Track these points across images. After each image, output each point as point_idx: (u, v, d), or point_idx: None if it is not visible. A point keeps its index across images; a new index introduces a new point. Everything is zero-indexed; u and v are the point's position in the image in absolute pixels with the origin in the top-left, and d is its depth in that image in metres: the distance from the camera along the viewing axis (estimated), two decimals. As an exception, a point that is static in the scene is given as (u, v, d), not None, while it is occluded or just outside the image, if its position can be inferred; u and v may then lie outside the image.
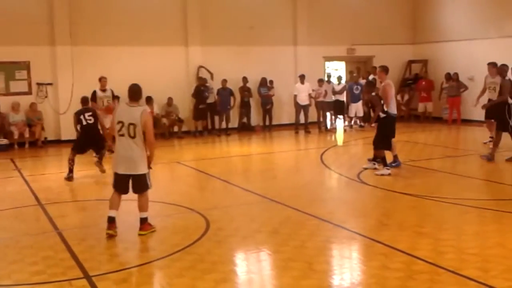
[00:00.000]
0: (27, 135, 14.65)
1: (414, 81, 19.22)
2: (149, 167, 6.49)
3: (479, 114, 16.33)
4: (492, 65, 12.51)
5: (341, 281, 5.18)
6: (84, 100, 10.54)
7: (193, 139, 15.98)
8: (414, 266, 5.29)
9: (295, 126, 16.87)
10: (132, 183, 6.45)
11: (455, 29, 18.42)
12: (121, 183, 6.46)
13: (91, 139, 10.22)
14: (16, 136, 14.55)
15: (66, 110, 14.95)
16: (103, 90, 13.09)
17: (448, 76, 17.90)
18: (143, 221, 6.53)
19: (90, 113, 10.15)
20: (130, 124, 6.26)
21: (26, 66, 15.06)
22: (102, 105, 12.85)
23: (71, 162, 10.02)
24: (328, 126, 17.55)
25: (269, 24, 17.78)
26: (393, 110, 10.26)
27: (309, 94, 16.68)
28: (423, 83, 18.79)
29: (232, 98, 16.78)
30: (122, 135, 6.33)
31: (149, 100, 15.81)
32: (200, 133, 16.54)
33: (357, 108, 17.47)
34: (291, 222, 7.00)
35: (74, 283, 5.12)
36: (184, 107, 16.66)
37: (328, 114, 17.71)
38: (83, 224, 7.24)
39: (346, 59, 19.97)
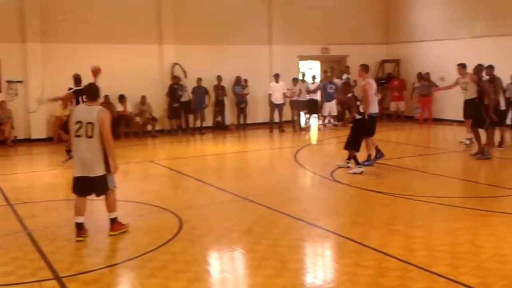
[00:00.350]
0: (-4, 133, 14.36)
1: (386, 80, 19.45)
2: (109, 171, 6.28)
3: (451, 113, 16.69)
4: (461, 66, 12.75)
5: (314, 279, 5.22)
6: (78, 79, 10.17)
7: (167, 138, 15.87)
8: (385, 263, 5.36)
9: (270, 125, 16.90)
10: (92, 186, 6.30)
11: (427, 30, 18.70)
12: (80, 186, 6.31)
13: None
14: (-15, 135, 14.25)
15: (36, 108, 14.67)
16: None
17: (420, 76, 18.18)
18: (113, 221, 6.45)
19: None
20: (88, 123, 6.15)
21: (-5, 63, 14.76)
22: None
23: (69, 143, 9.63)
24: (302, 125, 17.64)
25: (244, 23, 17.77)
26: (374, 109, 10.38)
27: (284, 93, 16.73)
28: (396, 82, 19.03)
29: (206, 97, 16.73)
30: (79, 136, 6.20)
31: (122, 98, 15.68)
32: (174, 132, 16.44)
33: (331, 107, 17.62)
34: (265, 221, 7.01)
35: (44, 284, 5.03)
36: (158, 105, 16.53)
37: (302, 113, 17.81)
38: (53, 225, 7.11)
39: (320, 58, 20.09)
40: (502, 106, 12.18)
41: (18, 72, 14.93)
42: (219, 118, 17.51)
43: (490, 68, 11.86)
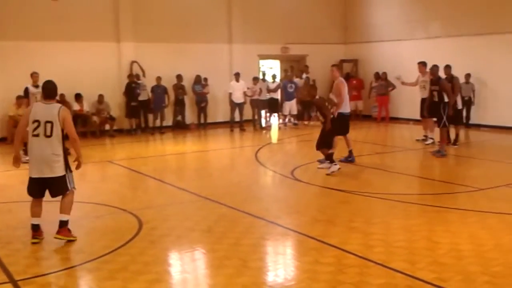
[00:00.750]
0: None
1: (345, 80, 19.66)
2: (70, 170, 6.13)
3: (407, 112, 17.07)
4: (422, 64, 13.09)
5: (275, 277, 5.23)
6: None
7: (126, 137, 15.63)
8: (344, 260, 5.43)
9: (230, 124, 16.88)
10: (49, 187, 6.09)
11: (384, 30, 19.07)
12: (35, 187, 6.09)
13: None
14: None
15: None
16: (36, 86, 12.55)
17: (377, 75, 18.53)
18: (63, 224, 6.09)
19: None
20: (47, 122, 5.96)
21: None
22: (35, 100, 12.30)
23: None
24: (263, 124, 17.69)
25: (203, 21, 17.67)
26: (346, 108, 10.48)
27: (244, 92, 16.73)
28: (354, 82, 19.31)
29: (166, 96, 16.56)
30: (37, 135, 5.99)
31: (78, 97, 15.34)
32: (133, 131, 16.20)
33: (291, 106, 17.74)
34: (226, 220, 7.00)
35: (-2, 289, 4.88)
36: (116, 104, 16.26)
37: (262, 112, 17.86)
38: (8, 227, 6.88)
39: (280, 57, 20.21)
40: (459, 105, 12.55)
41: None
42: (179, 117, 17.36)
43: (448, 67, 12.18)
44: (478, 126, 16.12)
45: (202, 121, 17.37)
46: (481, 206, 7.43)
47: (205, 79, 17.20)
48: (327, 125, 9.70)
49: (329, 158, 9.78)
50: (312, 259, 5.50)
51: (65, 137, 6.15)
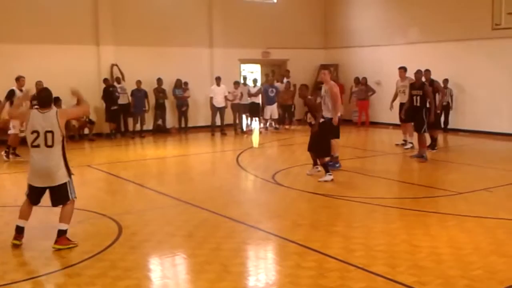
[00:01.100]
0: None
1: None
2: (70, 176, 6.06)
3: (387, 117, 17.22)
4: (403, 69, 13.25)
5: (256, 282, 5.22)
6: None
7: (105, 141, 15.48)
8: (326, 264, 5.44)
9: (211, 128, 16.85)
10: (51, 195, 6.05)
11: (363, 36, 19.24)
12: (35, 195, 6.06)
13: None
14: None
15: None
16: (22, 90, 12.38)
17: (357, 80, 18.68)
18: (61, 234, 6.00)
19: None
20: (47, 132, 5.86)
21: None
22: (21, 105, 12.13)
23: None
24: (244, 128, 17.69)
25: (184, 25, 17.62)
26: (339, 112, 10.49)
27: (225, 96, 16.72)
28: (335, 86, 19.41)
29: (146, 100, 16.44)
30: (37, 146, 5.89)
31: (57, 101, 15.08)
32: (113, 136, 16.05)
33: (272, 110, 17.77)
34: (207, 225, 6.97)
35: (-27, 297, 4.78)
36: (96, 108, 16.10)
37: (243, 116, 17.87)
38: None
39: (261, 62, 20.26)
40: (437, 110, 12.71)
41: None
42: (159, 122, 17.26)
43: (428, 72, 12.33)
44: (456, 131, 16.34)
45: (183, 125, 17.30)
46: (460, 210, 7.51)
47: (186, 83, 17.14)
48: (314, 127, 9.56)
49: (326, 167, 9.55)
50: (294, 263, 5.51)
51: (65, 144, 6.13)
